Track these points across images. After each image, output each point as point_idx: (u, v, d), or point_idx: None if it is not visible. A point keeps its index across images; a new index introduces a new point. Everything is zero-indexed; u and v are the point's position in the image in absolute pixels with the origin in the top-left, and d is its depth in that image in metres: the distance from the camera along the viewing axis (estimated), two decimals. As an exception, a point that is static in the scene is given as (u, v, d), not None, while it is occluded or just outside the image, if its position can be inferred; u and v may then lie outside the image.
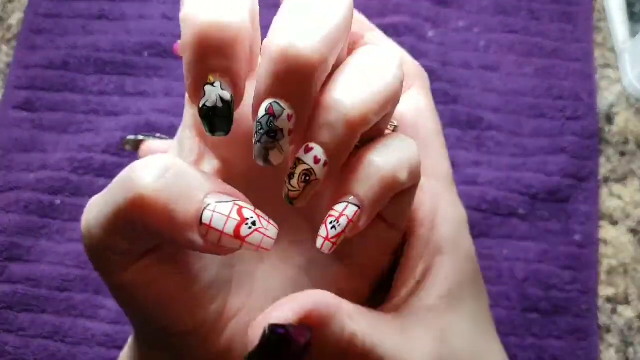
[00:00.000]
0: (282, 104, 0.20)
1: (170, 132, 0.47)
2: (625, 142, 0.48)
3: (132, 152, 0.40)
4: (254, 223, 0.20)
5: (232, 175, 0.24)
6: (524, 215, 0.45)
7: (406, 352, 0.23)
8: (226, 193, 0.20)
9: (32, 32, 0.51)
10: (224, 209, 0.20)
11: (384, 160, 0.22)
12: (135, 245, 0.21)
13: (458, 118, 0.47)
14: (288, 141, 0.21)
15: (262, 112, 0.20)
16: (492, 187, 0.45)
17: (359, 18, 0.29)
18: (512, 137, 0.47)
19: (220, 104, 0.20)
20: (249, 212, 0.20)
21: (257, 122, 0.20)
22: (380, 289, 0.26)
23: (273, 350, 0.19)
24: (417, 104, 0.28)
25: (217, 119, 0.20)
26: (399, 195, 0.23)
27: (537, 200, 0.45)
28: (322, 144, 0.21)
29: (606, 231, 0.45)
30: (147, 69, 0.49)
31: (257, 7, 0.22)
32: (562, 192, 0.46)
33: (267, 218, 0.21)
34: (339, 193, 0.22)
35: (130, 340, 0.27)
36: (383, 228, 0.24)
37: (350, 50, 0.23)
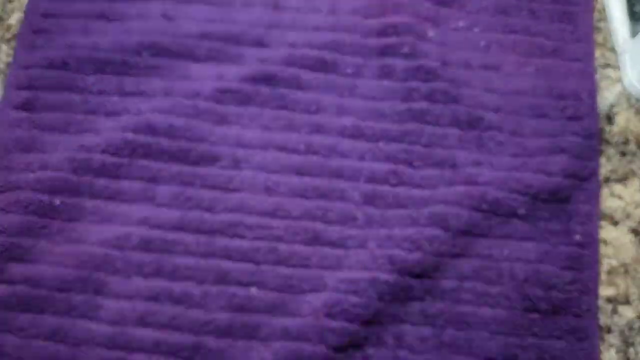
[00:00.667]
0: None
1: (170, 132, 0.47)
2: (626, 142, 0.48)
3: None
4: None
5: None
6: (525, 216, 0.45)
7: None
8: None
9: (32, 32, 0.51)
10: None
11: None
12: None
13: (458, 118, 0.47)
14: None
15: None
16: (492, 187, 0.45)
17: None
18: (512, 137, 0.47)
19: None
20: None
21: None
22: None
23: None
24: None
25: None
26: None
27: (538, 200, 0.45)
28: None
29: (607, 231, 0.45)
30: (147, 69, 0.49)
31: None
32: (563, 192, 0.45)
33: None
34: None
35: None
36: None
37: None
